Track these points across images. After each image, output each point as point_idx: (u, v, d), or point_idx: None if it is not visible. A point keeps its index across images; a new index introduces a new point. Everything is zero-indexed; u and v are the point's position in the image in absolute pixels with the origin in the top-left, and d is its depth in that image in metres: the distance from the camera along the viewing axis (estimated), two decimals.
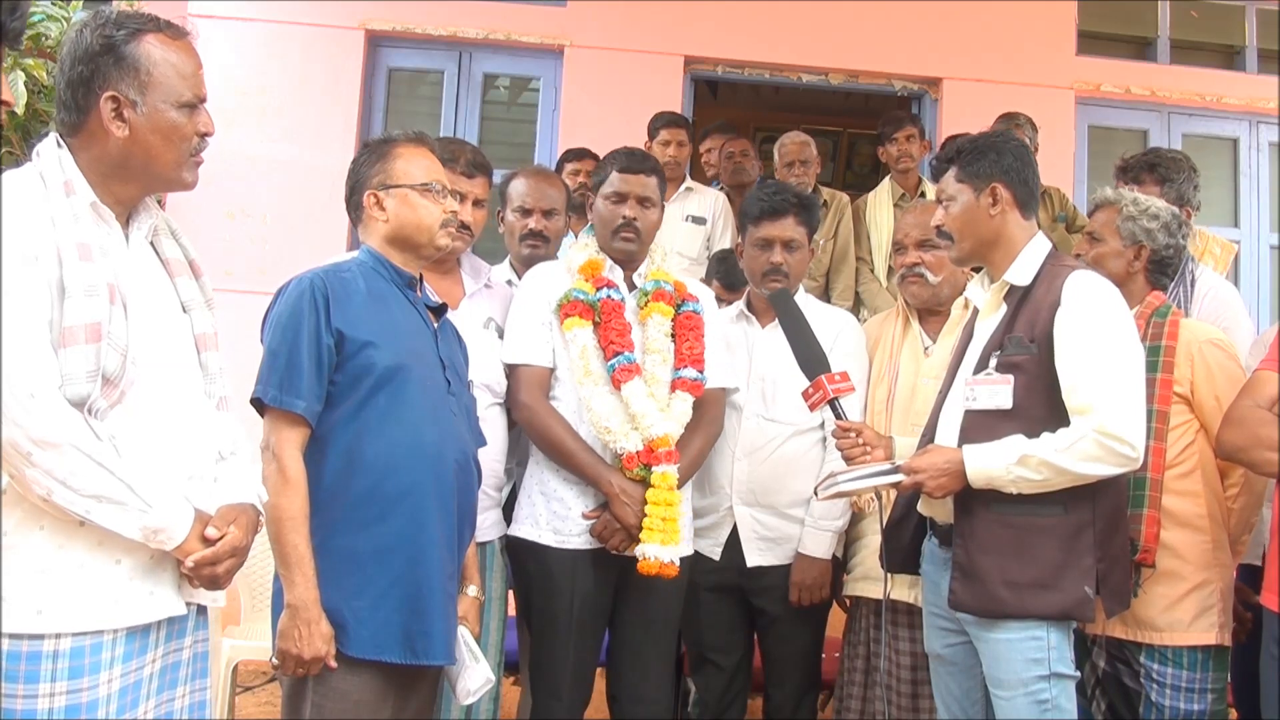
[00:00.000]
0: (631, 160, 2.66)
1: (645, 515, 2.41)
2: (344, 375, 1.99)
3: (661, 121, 4.48)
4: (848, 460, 2.30)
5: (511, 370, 2.56)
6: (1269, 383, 2.20)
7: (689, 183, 4.46)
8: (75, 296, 1.50)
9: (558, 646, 2.49)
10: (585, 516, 2.49)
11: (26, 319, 1.47)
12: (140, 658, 1.60)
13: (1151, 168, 2.92)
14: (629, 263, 2.66)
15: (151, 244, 1.73)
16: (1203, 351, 2.40)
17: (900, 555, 2.38)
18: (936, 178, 2.36)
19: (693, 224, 4.34)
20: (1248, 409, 2.20)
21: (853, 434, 2.31)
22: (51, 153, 1.60)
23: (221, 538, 1.63)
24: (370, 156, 2.17)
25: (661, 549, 2.39)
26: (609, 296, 2.55)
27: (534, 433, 2.54)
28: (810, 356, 2.37)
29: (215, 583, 1.65)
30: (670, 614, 2.61)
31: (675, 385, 2.57)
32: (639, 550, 2.41)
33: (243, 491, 1.74)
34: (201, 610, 1.74)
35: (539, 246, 2.85)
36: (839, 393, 2.31)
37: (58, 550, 1.52)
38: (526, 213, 2.87)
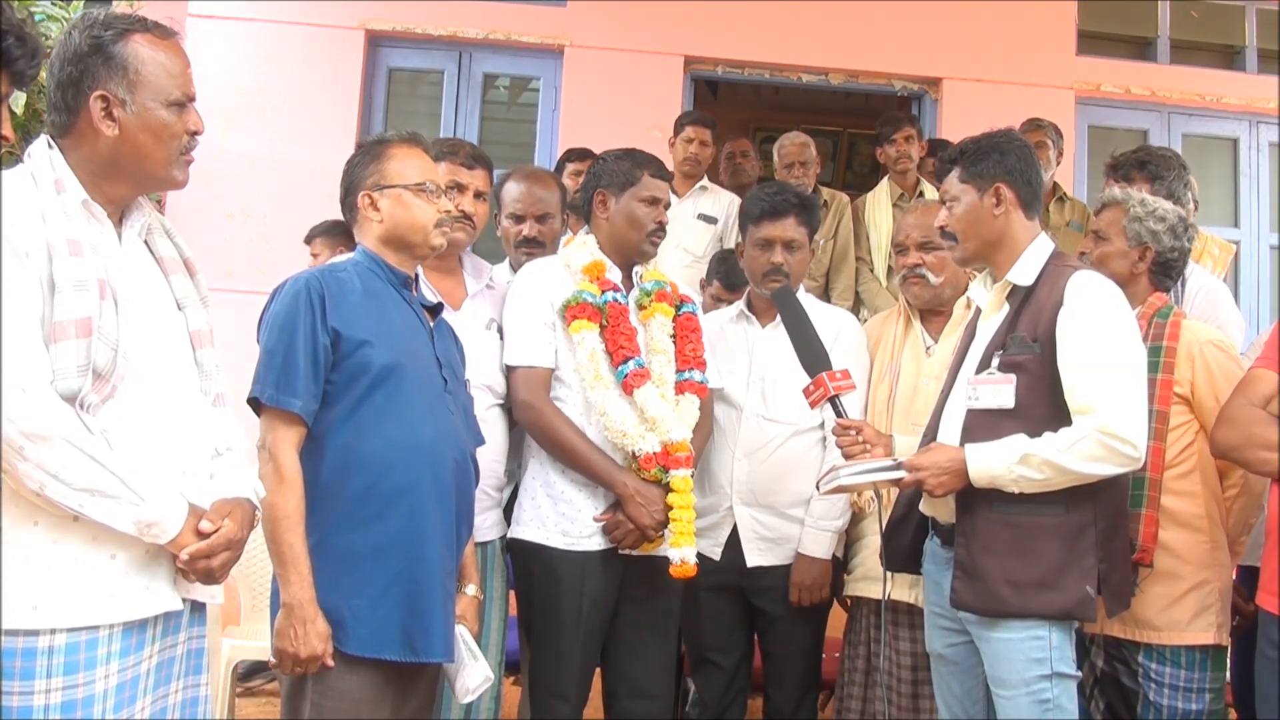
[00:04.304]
0: (663, 168, 2.69)
1: (671, 520, 2.43)
2: (340, 374, 1.99)
3: (690, 119, 4.50)
4: (848, 458, 2.31)
5: (512, 371, 2.54)
6: (1263, 381, 2.19)
7: (704, 182, 4.46)
8: (65, 291, 1.50)
9: (564, 647, 2.48)
10: (597, 520, 2.49)
11: (17, 314, 1.48)
12: (137, 653, 1.59)
13: (1142, 165, 2.92)
14: (639, 264, 2.67)
15: (146, 243, 1.74)
16: (1204, 353, 2.39)
17: (901, 555, 2.38)
18: (940, 179, 2.36)
19: (703, 222, 4.36)
20: (1241, 407, 2.18)
21: (853, 431, 2.31)
22: (42, 153, 1.62)
23: (216, 531, 1.62)
24: (364, 157, 2.17)
25: (689, 551, 2.43)
26: (614, 299, 2.55)
27: (540, 434, 2.52)
28: (812, 354, 2.37)
29: (210, 576, 1.64)
30: (673, 611, 2.62)
31: (681, 387, 2.57)
32: (674, 555, 2.42)
33: (239, 486, 1.74)
34: (198, 607, 1.73)
35: (534, 253, 2.83)
36: (840, 390, 2.32)
37: (52, 545, 1.52)
38: (519, 219, 2.85)
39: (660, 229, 2.64)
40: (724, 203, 4.39)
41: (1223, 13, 5.79)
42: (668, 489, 2.45)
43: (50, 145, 1.62)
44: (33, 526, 1.51)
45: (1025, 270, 2.22)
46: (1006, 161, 2.23)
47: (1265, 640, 2.13)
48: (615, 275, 2.61)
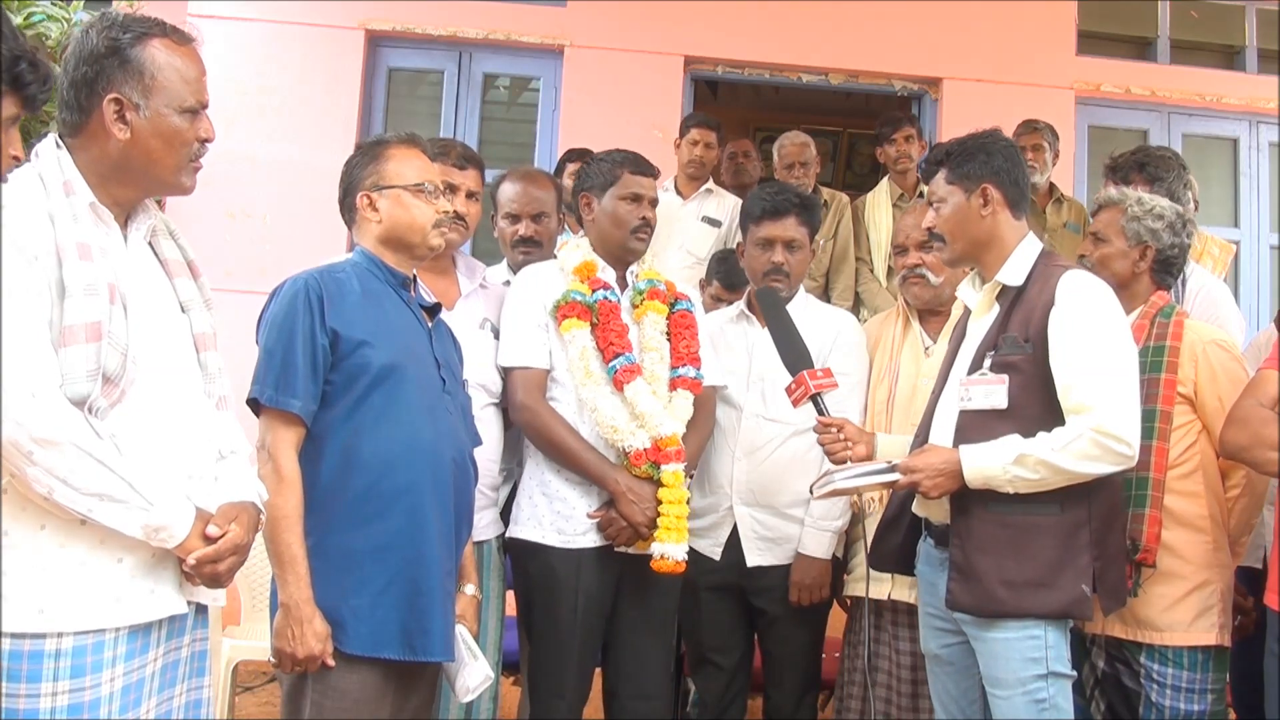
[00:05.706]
0: (643, 163, 2.68)
1: (659, 514, 2.43)
2: (339, 374, 2.00)
3: (695, 121, 4.51)
4: (830, 455, 2.31)
5: (508, 373, 2.56)
6: (1272, 382, 2.20)
7: (710, 185, 4.47)
8: (75, 296, 1.50)
9: (562, 646, 2.49)
10: (590, 517, 2.50)
11: (27, 318, 1.48)
12: (142, 656, 1.60)
13: (1140, 167, 2.92)
14: (632, 262, 2.67)
15: (150, 245, 1.74)
16: (1206, 353, 2.40)
17: (891, 555, 2.39)
18: (927, 180, 2.36)
19: (707, 225, 4.37)
20: (1250, 408, 2.20)
21: (834, 429, 2.32)
22: (50, 153, 1.61)
23: (223, 536, 1.63)
24: (363, 158, 2.18)
25: (675, 547, 2.43)
26: (605, 298, 2.56)
27: (535, 434, 2.54)
28: (793, 352, 2.39)
29: (217, 581, 1.65)
30: (670, 609, 2.62)
31: (675, 384, 2.58)
32: (656, 549, 2.43)
33: (243, 490, 1.74)
34: (201, 609, 1.74)
35: (531, 253, 2.84)
36: (821, 388, 2.34)
37: (59, 549, 1.52)
38: (515, 219, 2.87)
39: (645, 225, 2.63)
40: (728, 206, 4.39)
41: (1223, 13, 5.79)
42: (660, 485, 2.45)
43: (58, 145, 1.62)
44: (40, 530, 1.51)
45: (1015, 270, 2.22)
46: (993, 162, 2.24)
47: (1273, 639, 2.13)
48: (609, 275, 2.63)
